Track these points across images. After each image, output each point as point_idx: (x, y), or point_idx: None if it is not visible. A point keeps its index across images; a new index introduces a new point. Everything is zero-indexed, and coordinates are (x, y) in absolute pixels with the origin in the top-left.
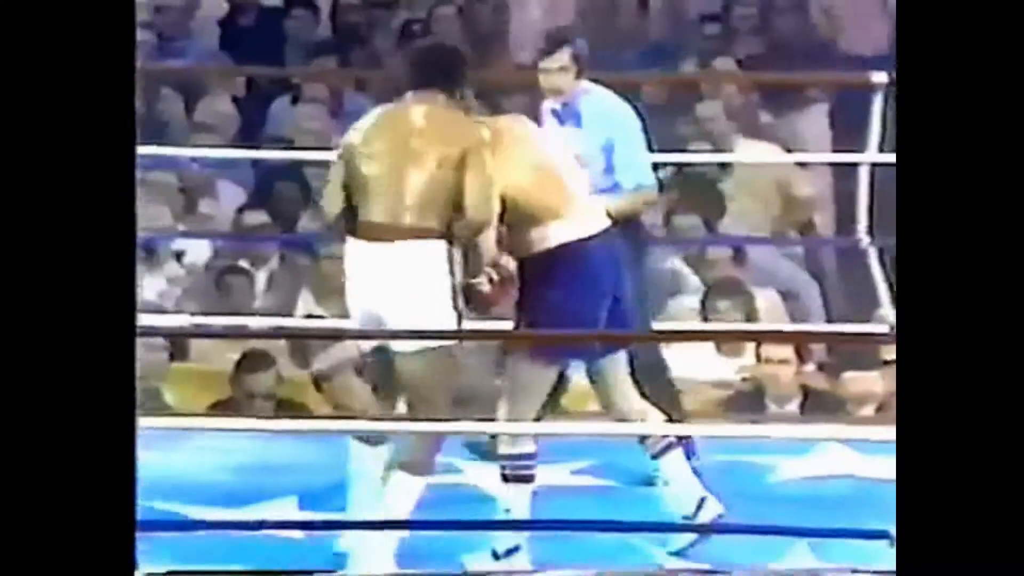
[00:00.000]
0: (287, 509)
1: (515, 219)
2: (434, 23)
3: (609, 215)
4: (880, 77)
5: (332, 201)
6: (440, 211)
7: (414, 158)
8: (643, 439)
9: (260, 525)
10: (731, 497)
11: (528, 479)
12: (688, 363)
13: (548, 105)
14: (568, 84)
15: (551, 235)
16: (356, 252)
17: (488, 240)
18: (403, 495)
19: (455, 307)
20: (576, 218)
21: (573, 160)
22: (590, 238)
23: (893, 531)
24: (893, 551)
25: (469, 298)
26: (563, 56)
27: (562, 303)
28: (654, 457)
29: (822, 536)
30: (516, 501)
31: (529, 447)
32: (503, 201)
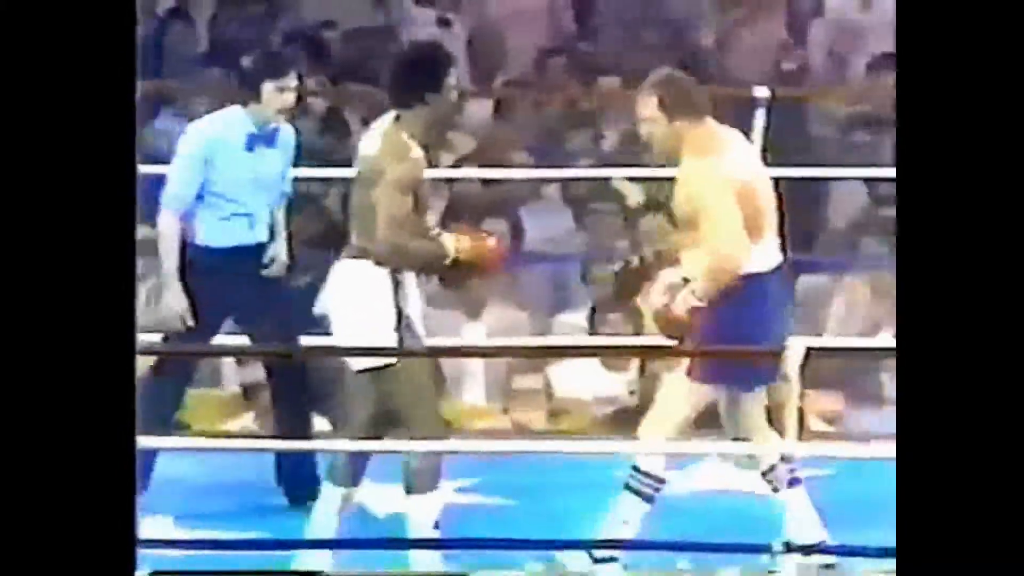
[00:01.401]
0: None
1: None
2: None
3: None
4: (762, 92)
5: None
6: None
7: (364, 179)
8: (766, 473)
9: (260, 545)
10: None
11: (651, 500)
12: (574, 380)
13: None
14: None
15: (756, 258)
16: (333, 271)
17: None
18: (423, 514)
19: (396, 329)
20: (770, 243)
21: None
22: (775, 268)
23: (777, 544)
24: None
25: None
26: None
27: (751, 330)
28: (776, 490)
29: (711, 550)
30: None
31: (661, 471)
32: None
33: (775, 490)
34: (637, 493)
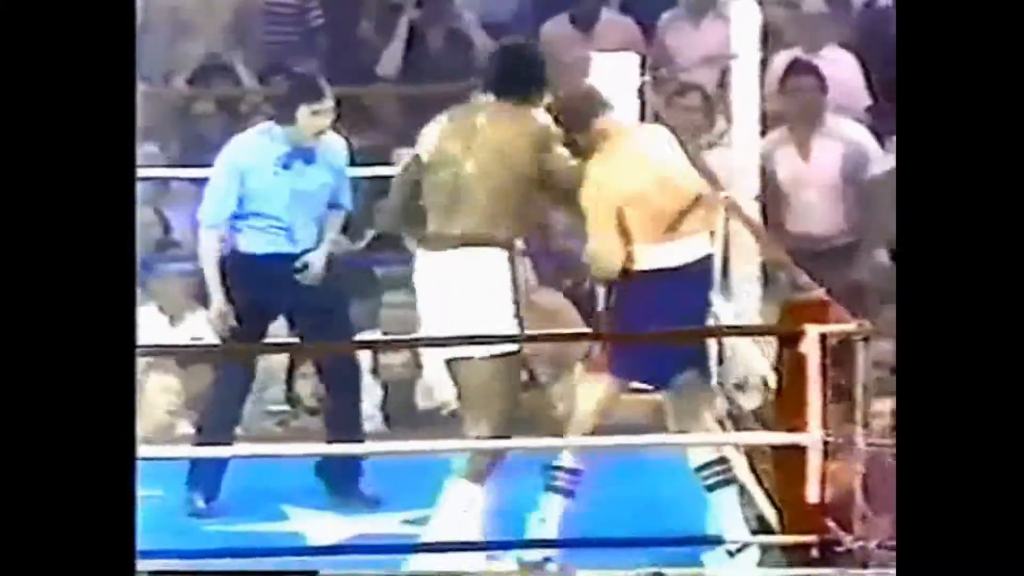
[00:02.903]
0: None
1: (632, 230)
2: None
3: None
4: None
5: (394, 212)
6: (507, 221)
7: (480, 165)
8: (699, 469)
9: (271, 552)
10: None
11: (569, 494)
12: None
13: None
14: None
15: (663, 255)
16: (424, 262)
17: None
18: (463, 504)
19: (516, 316)
20: (685, 240)
21: (694, 176)
22: (692, 263)
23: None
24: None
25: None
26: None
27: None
28: (710, 489)
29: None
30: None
31: (578, 463)
32: (619, 213)
33: (708, 488)
34: (557, 491)
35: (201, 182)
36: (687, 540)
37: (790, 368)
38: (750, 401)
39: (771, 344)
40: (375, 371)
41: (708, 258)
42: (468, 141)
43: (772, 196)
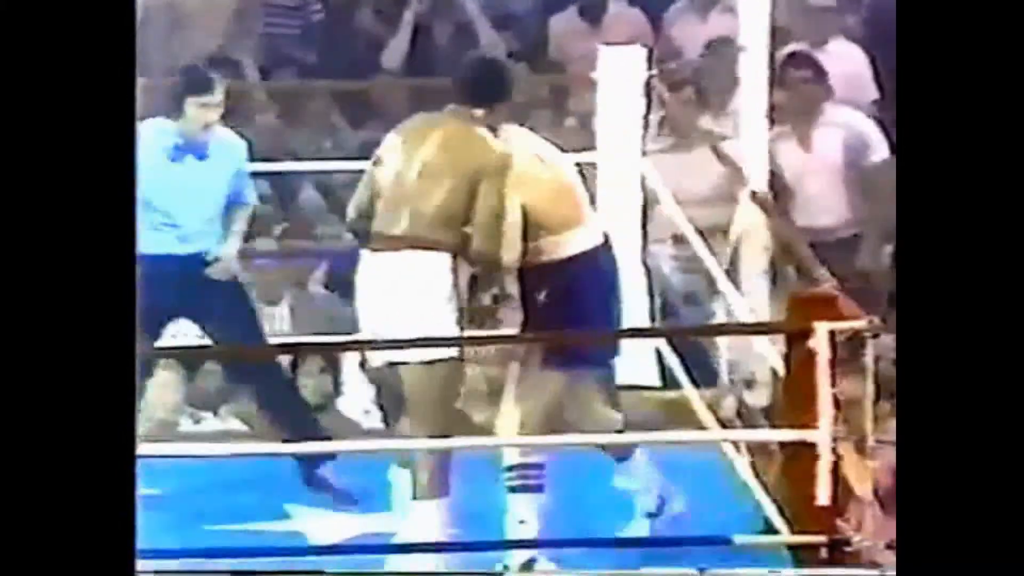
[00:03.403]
0: None
1: (535, 229)
2: None
3: None
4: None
5: (354, 207)
6: (449, 226)
7: (430, 171)
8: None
9: (270, 552)
10: None
11: (538, 488)
12: None
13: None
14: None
15: (571, 242)
16: (365, 263)
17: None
18: (427, 521)
19: (458, 321)
20: (589, 226)
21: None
22: (600, 245)
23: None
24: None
25: (473, 318)
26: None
27: (581, 308)
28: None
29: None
30: (527, 512)
31: (538, 456)
32: (524, 213)
33: (512, 489)
34: (524, 489)
35: None
36: (689, 541)
37: (799, 364)
38: (758, 398)
39: (780, 340)
40: (363, 366)
41: (606, 243)
42: (417, 146)
43: (777, 189)
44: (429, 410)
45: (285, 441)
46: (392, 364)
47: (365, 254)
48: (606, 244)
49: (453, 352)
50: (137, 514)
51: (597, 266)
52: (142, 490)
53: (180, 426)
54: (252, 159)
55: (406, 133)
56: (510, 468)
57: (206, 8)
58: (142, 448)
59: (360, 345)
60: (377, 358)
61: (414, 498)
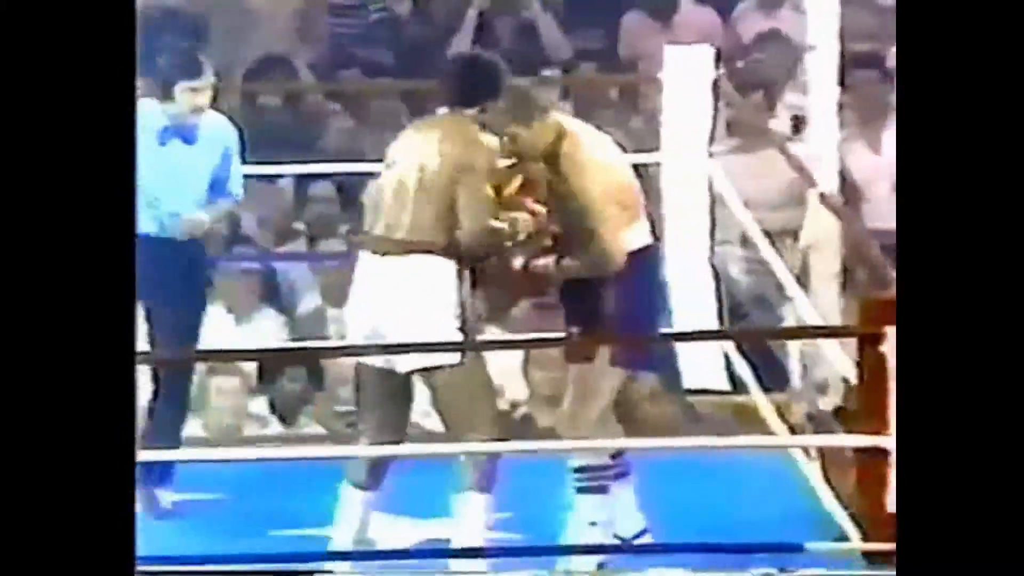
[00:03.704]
0: None
1: (594, 223)
2: None
3: None
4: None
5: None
6: (446, 228)
7: (428, 174)
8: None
9: (272, 558)
10: None
11: (603, 490)
12: None
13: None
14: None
15: (632, 239)
16: (361, 265)
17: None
18: (474, 514)
19: (461, 324)
20: (642, 226)
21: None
22: (651, 246)
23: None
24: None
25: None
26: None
27: (640, 307)
28: (579, 492)
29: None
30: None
31: (603, 458)
32: (581, 206)
33: (580, 491)
34: (593, 491)
35: (268, 178)
36: (760, 547)
37: (870, 369)
38: (830, 403)
39: (852, 344)
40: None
41: (647, 248)
42: (422, 150)
43: (847, 192)
44: (463, 412)
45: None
46: (416, 371)
47: (360, 257)
48: (655, 246)
49: (455, 358)
50: (136, 520)
51: (646, 267)
52: (204, 495)
53: (244, 431)
54: (322, 160)
55: (409, 136)
56: (579, 470)
57: (271, 9)
58: (146, 455)
59: (378, 349)
60: (402, 364)
61: (457, 491)
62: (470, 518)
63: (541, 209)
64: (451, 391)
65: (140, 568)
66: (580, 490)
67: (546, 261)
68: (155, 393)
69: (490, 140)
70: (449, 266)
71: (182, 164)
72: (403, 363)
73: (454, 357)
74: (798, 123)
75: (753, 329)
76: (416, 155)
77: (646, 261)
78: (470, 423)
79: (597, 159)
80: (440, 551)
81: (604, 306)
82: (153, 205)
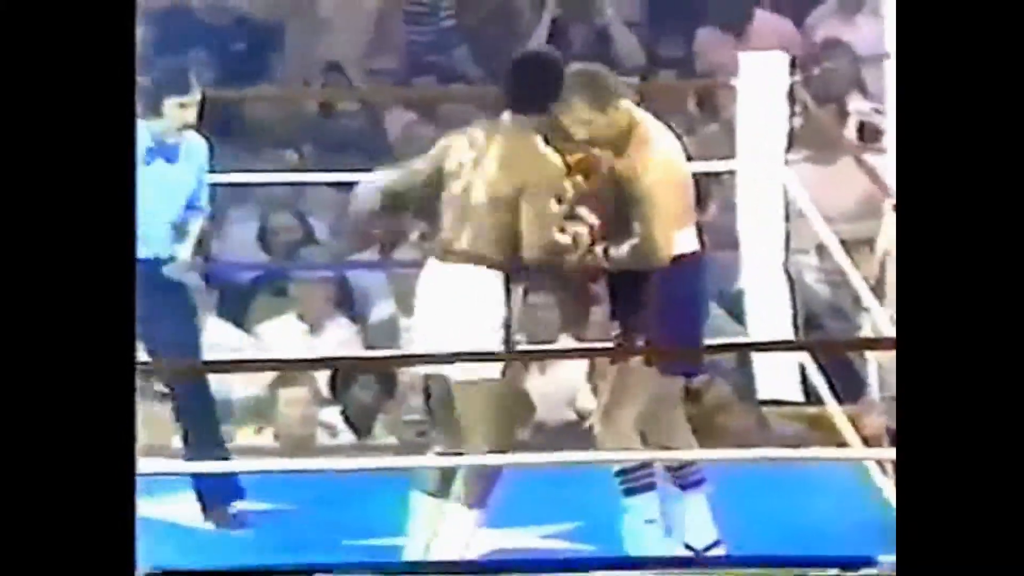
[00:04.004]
0: None
1: (652, 217)
2: None
3: None
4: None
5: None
6: (506, 242)
7: (491, 186)
8: (619, 473)
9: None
10: None
11: (651, 487)
12: None
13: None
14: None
15: (681, 241)
16: (425, 273)
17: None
18: (459, 528)
19: (506, 339)
20: (692, 230)
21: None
22: (697, 252)
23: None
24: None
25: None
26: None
27: (681, 312)
28: (627, 494)
29: (813, 565)
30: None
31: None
32: (641, 193)
33: (628, 492)
34: (641, 490)
35: (341, 185)
36: (831, 561)
37: None
38: None
39: None
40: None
41: (694, 254)
42: (480, 157)
43: None
44: (476, 428)
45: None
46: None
47: (430, 263)
48: (700, 255)
49: (495, 372)
50: (136, 529)
51: (691, 273)
52: (273, 505)
53: (317, 440)
54: (396, 166)
55: (471, 140)
56: (621, 472)
57: (345, 15)
58: (149, 465)
59: (407, 360)
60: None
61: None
62: (453, 531)
63: (596, 221)
64: (481, 403)
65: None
66: (627, 492)
67: (596, 251)
68: (176, 411)
69: (552, 154)
70: (498, 282)
71: (163, 184)
72: (451, 373)
73: (495, 371)
74: (864, 130)
75: (828, 340)
76: (480, 165)
77: (692, 267)
78: (486, 437)
79: (663, 152)
80: (509, 562)
81: (647, 304)
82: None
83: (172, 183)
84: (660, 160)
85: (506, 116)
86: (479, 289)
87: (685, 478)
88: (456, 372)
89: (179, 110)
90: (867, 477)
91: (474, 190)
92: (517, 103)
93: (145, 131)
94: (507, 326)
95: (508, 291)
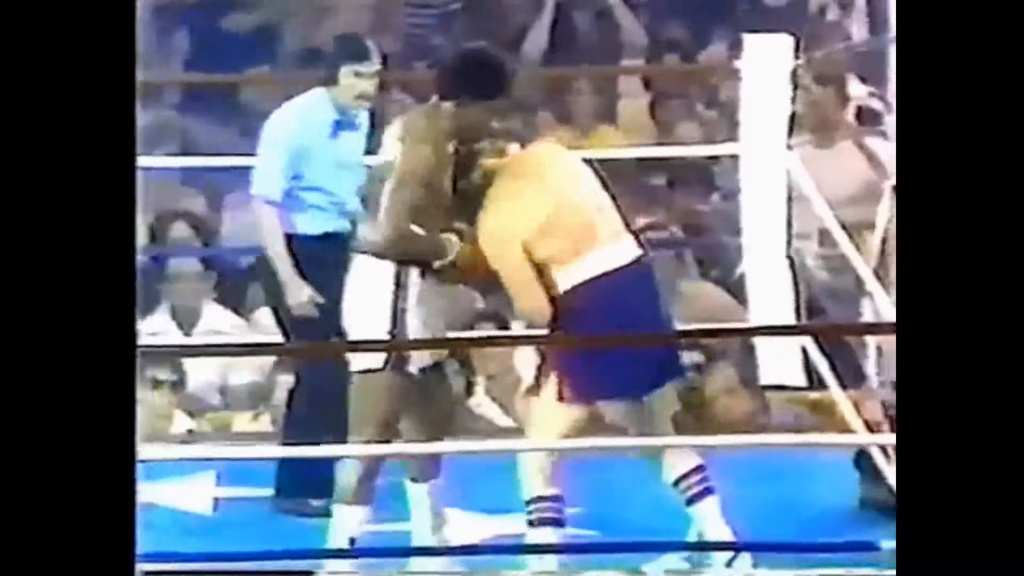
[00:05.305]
0: None
1: (544, 259)
2: None
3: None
4: None
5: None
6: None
7: (394, 170)
8: (677, 482)
9: (269, 555)
10: None
11: (559, 523)
12: None
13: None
14: None
15: (582, 269)
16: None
17: None
18: (345, 527)
19: (391, 328)
20: (604, 249)
21: (596, 184)
22: (621, 268)
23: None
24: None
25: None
26: None
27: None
28: (689, 503)
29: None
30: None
31: (555, 489)
32: (528, 244)
33: (688, 502)
34: (543, 523)
35: None
36: (835, 546)
37: None
38: None
39: None
40: None
41: (637, 261)
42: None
43: None
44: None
45: None
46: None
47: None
48: (635, 263)
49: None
50: (137, 517)
51: (613, 289)
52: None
53: None
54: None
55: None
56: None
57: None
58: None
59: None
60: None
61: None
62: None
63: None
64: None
65: (141, 567)
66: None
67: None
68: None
69: (448, 146)
70: (388, 271)
71: (349, 156)
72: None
73: (378, 361)
74: (862, 115)
75: (830, 324)
76: (392, 150)
77: (615, 282)
78: (355, 426)
79: (520, 201)
80: (511, 547)
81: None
82: (336, 202)
83: (354, 154)
84: (492, 230)
85: (434, 100)
86: (371, 279)
87: (688, 491)
88: (358, 363)
89: (356, 79)
90: (869, 462)
91: (388, 174)
92: (448, 92)
93: (330, 103)
94: (394, 315)
95: (396, 281)
